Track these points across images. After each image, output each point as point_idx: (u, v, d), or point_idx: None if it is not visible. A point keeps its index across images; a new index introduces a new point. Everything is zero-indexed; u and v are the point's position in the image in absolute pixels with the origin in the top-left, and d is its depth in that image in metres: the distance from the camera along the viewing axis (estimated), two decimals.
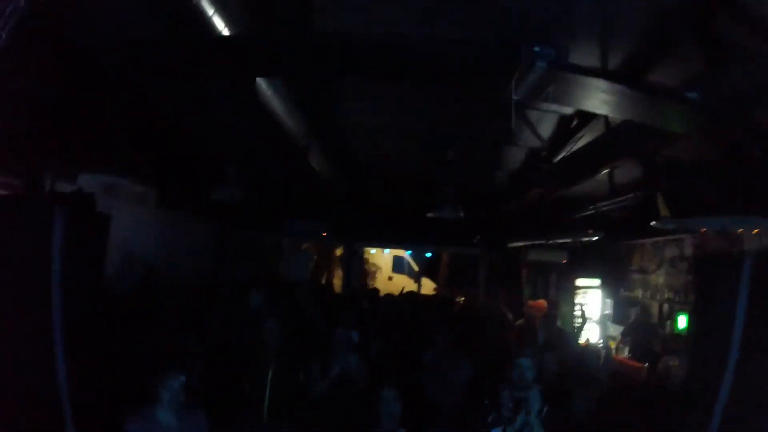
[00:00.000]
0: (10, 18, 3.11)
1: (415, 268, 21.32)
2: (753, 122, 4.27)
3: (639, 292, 10.48)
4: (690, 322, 7.17)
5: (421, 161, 9.56)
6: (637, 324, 9.87)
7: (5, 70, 3.88)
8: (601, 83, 3.62)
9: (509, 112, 5.65)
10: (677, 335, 8.61)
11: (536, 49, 3.07)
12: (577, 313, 11.62)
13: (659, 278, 9.83)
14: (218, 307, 7.38)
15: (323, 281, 18.13)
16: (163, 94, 6.06)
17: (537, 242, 12.62)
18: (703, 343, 6.24)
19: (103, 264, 6.09)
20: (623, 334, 10.03)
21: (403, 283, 19.66)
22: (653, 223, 6.91)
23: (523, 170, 9.01)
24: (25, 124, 4.80)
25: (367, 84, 6.23)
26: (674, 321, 8.74)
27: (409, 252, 21.21)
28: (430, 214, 9.78)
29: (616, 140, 5.85)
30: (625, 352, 9.94)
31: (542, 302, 11.95)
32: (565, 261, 13.14)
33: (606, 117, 5.71)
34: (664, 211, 7.09)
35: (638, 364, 9.17)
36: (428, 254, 21.01)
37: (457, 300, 15.35)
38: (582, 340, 9.69)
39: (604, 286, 11.53)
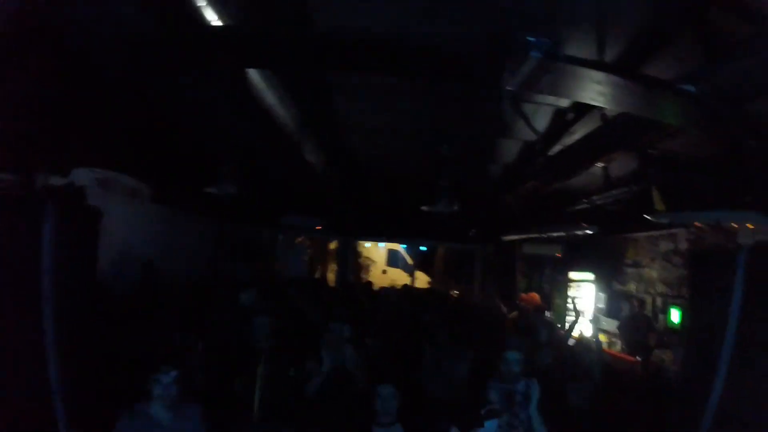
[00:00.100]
0: None
1: (410, 261, 21.36)
2: (749, 116, 4.25)
3: (633, 286, 10.51)
4: (684, 316, 7.18)
5: (415, 155, 9.53)
6: (631, 318, 9.89)
7: None
8: (596, 74, 3.59)
9: (510, 107, 5.65)
10: (671, 329, 8.63)
11: (530, 38, 3.03)
12: (570, 306, 11.66)
13: (653, 272, 9.84)
14: (213, 304, 7.33)
15: (318, 275, 18.14)
16: (158, 89, 6.00)
17: (531, 236, 12.63)
18: (697, 337, 6.26)
19: (96, 259, 6.06)
20: (619, 328, 10.06)
21: (398, 277, 19.73)
22: (648, 216, 6.90)
23: (518, 164, 8.99)
24: (16, 120, 4.75)
25: (362, 78, 6.19)
26: (668, 315, 8.76)
27: (404, 246, 21.25)
28: (424, 208, 9.75)
29: (611, 133, 5.83)
30: (619, 346, 9.99)
31: (534, 295, 11.97)
32: (559, 254, 13.17)
33: (601, 110, 5.69)
34: (658, 204, 7.08)
35: (631, 358, 9.20)
36: (423, 248, 21.04)
37: (451, 293, 15.40)
38: (575, 334, 9.71)
39: (598, 279, 11.56)
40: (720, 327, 5.19)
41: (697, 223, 7.34)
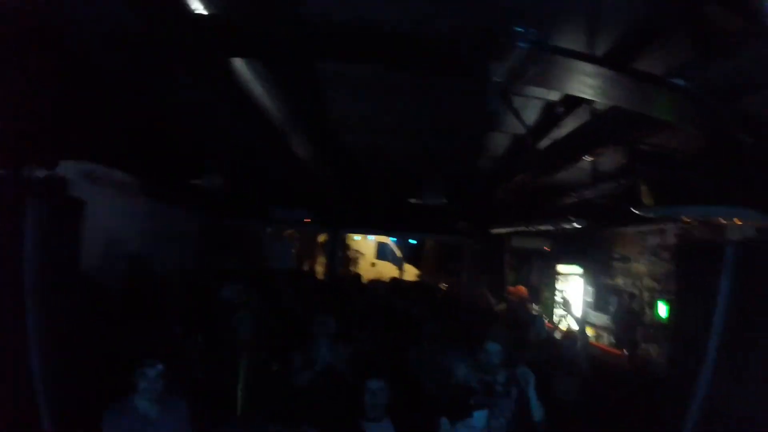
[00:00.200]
0: None
1: (399, 254, 21.35)
2: (740, 112, 4.24)
3: (621, 280, 10.54)
4: (671, 310, 7.21)
5: (405, 148, 9.49)
6: (619, 312, 9.93)
7: None
8: (585, 66, 3.54)
9: (498, 99, 5.60)
10: (658, 323, 8.66)
11: (517, 29, 2.98)
12: (558, 299, 11.71)
13: (641, 266, 9.87)
14: (198, 298, 7.27)
15: (306, 269, 18.10)
16: (145, 81, 5.92)
17: (520, 229, 12.64)
18: (684, 331, 6.28)
19: (79, 251, 6.00)
20: (612, 321, 10.09)
21: (387, 270, 19.71)
22: (636, 211, 6.90)
23: (506, 157, 8.97)
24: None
25: (352, 70, 6.13)
26: (655, 309, 8.79)
27: (394, 239, 21.23)
28: (412, 200, 9.74)
29: (600, 127, 5.81)
30: (608, 340, 10.03)
31: (522, 288, 12.00)
32: (547, 248, 13.20)
33: (591, 104, 5.67)
34: (647, 199, 7.08)
35: (619, 352, 9.24)
36: (413, 241, 21.03)
37: (440, 286, 15.42)
38: (562, 327, 9.75)
39: (586, 273, 11.58)
40: (707, 321, 5.20)
41: (685, 218, 7.34)
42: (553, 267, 12.85)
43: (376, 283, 12.17)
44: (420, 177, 9.68)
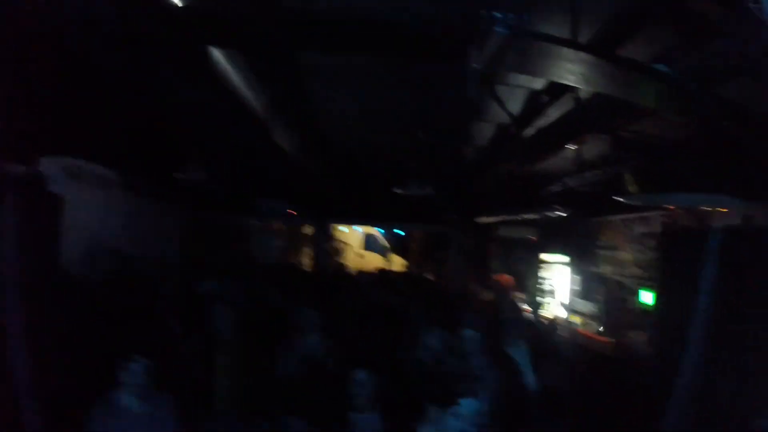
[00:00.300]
0: None
1: (386, 245, 21.33)
2: (723, 98, 4.23)
3: (607, 269, 10.57)
4: (657, 297, 7.23)
5: (390, 138, 9.45)
6: (605, 300, 9.97)
7: None
8: (566, 52, 3.49)
9: (478, 86, 5.56)
10: (644, 311, 8.69)
11: (496, 14, 2.93)
12: (544, 288, 11.75)
13: (627, 255, 9.90)
14: (179, 295, 7.17)
15: (292, 261, 18.04)
16: (123, 75, 5.83)
17: (506, 218, 12.65)
18: (668, 318, 6.30)
19: (58, 248, 5.91)
20: (598, 309, 10.13)
21: (375, 261, 19.70)
22: (620, 199, 6.91)
23: (491, 146, 8.95)
24: None
25: (335, 60, 6.07)
26: (641, 297, 8.83)
27: (381, 230, 21.21)
28: (397, 190, 9.71)
29: (584, 115, 5.79)
30: (594, 327, 10.07)
31: (506, 277, 12.02)
32: (533, 237, 13.23)
33: (575, 92, 5.64)
34: (632, 187, 7.09)
35: (605, 339, 9.28)
36: (400, 232, 21.02)
37: (427, 276, 15.44)
38: (549, 315, 9.80)
39: (572, 262, 11.62)
40: (692, 308, 5.22)
41: (669, 206, 7.36)
42: (539, 256, 12.88)
43: (363, 275, 12.15)
44: (405, 167, 9.64)
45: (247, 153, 10.22)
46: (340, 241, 20.97)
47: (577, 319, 10.72)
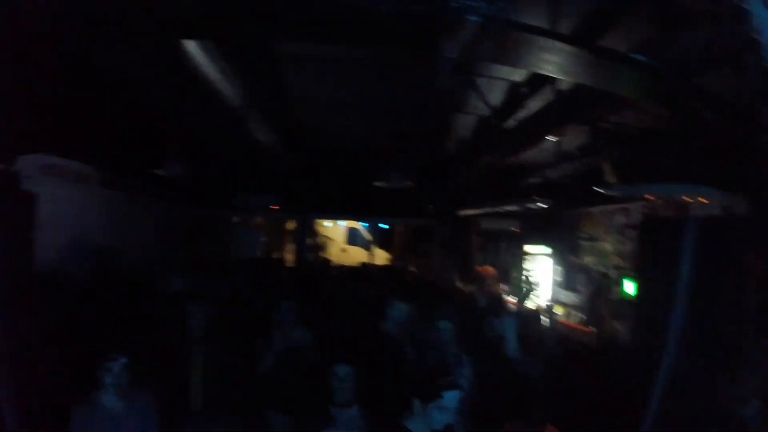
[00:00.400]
0: None
1: (369, 239, 21.32)
2: (702, 88, 4.23)
3: (589, 259, 10.62)
4: (637, 288, 7.27)
5: (371, 132, 9.40)
6: (587, 290, 10.02)
7: None
8: (540, 40, 3.45)
9: (457, 78, 5.52)
10: (626, 300, 8.74)
11: (468, 2, 2.88)
12: (526, 279, 11.80)
13: (608, 245, 9.95)
14: (154, 292, 7.07)
15: (275, 256, 17.96)
16: (97, 69, 5.73)
17: (488, 211, 12.66)
18: (650, 307, 6.33)
19: (33, 245, 5.83)
20: (580, 299, 10.18)
21: (358, 255, 19.68)
22: (600, 189, 6.92)
23: (472, 139, 8.93)
24: None
25: (312, 51, 6.01)
26: (623, 287, 8.88)
27: (365, 224, 21.18)
28: (377, 183, 9.68)
29: (564, 106, 5.79)
30: (577, 318, 10.12)
31: (489, 268, 12.04)
32: (515, 229, 13.26)
33: (555, 83, 5.63)
34: (610, 177, 7.10)
35: (587, 329, 9.33)
36: (384, 225, 21.01)
37: (410, 269, 15.44)
38: (531, 306, 9.82)
39: (554, 253, 11.67)
40: (673, 297, 5.24)
41: (649, 196, 7.39)
42: (522, 247, 12.92)
43: (345, 269, 12.11)
44: (386, 160, 9.60)
45: (227, 148, 10.13)
46: (323, 236, 20.91)
47: (559, 310, 10.78)
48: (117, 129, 7.82)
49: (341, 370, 4.40)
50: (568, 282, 11.05)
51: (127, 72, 6.03)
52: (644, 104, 5.17)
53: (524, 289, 10.13)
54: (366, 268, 12.51)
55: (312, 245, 18.97)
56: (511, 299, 9.23)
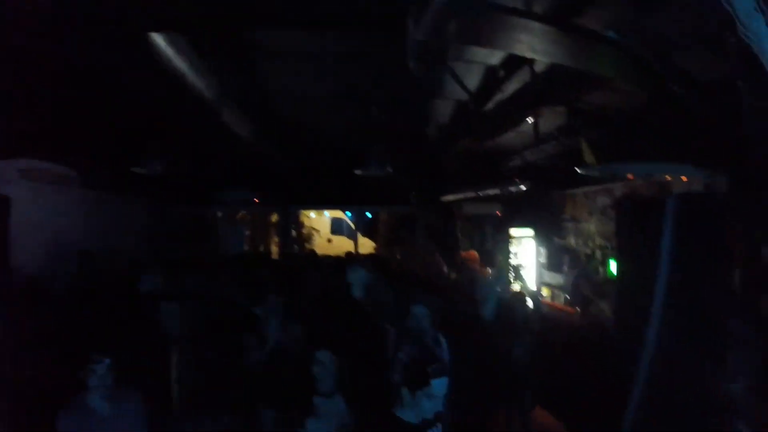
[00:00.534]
0: None
1: (354, 228, 21.29)
2: (677, 66, 4.21)
3: (572, 240, 10.67)
4: (620, 268, 7.30)
5: (348, 119, 9.34)
6: (572, 271, 10.07)
7: None
8: (509, 19, 3.38)
9: (430, 62, 5.46)
10: (610, 280, 8.79)
11: None
12: (510, 262, 11.84)
13: (591, 226, 10.00)
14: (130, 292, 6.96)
15: (260, 250, 17.88)
16: (68, 67, 5.61)
17: (470, 195, 12.67)
18: (633, 287, 6.35)
19: (6, 248, 5.73)
20: (565, 280, 10.22)
21: (344, 245, 19.64)
22: (578, 170, 6.92)
23: (451, 124, 8.90)
24: None
25: (286, 41, 5.93)
26: (608, 267, 8.93)
27: (349, 214, 21.14)
28: (358, 171, 9.62)
29: (540, 87, 5.76)
30: (562, 299, 10.17)
31: (474, 253, 12.06)
32: (498, 212, 13.28)
33: (531, 64, 5.59)
34: (589, 157, 7.10)
35: (572, 310, 9.38)
36: (368, 214, 20.97)
37: (395, 257, 15.44)
38: (516, 288, 9.85)
39: (538, 235, 11.70)
40: (655, 277, 5.25)
41: (630, 176, 7.41)
42: (506, 231, 12.94)
43: (330, 259, 12.05)
44: (365, 148, 9.55)
45: (205, 143, 10.02)
46: (308, 227, 20.86)
47: (545, 291, 10.84)
48: (93, 127, 7.70)
49: (322, 355, 4.35)
50: (552, 263, 11.10)
51: (102, 69, 5.92)
52: (622, 84, 5.15)
53: (509, 272, 10.16)
54: (351, 258, 12.45)
55: (296, 237, 18.90)
56: (496, 283, 9.25)
